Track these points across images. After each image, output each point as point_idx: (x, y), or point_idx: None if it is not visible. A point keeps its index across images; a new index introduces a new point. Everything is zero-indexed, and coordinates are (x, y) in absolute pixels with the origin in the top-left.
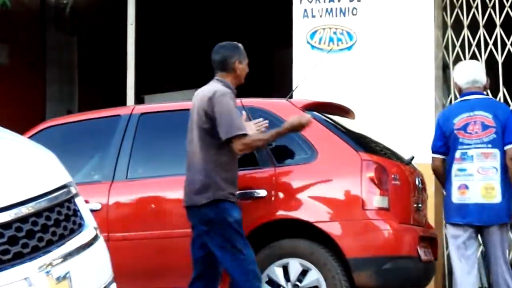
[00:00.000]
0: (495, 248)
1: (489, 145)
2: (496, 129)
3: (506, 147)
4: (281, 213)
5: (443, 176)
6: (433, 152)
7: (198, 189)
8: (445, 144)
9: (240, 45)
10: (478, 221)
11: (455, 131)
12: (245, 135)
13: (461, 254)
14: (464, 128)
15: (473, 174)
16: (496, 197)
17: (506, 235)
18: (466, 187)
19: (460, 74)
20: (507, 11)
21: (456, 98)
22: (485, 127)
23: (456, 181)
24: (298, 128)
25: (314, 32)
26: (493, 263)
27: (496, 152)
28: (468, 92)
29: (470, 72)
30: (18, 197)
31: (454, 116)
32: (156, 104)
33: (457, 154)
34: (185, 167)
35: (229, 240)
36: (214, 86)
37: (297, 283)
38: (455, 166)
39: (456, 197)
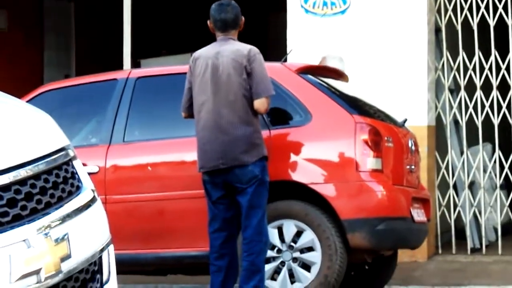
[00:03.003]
0: None
1: None
2: None
3: None
4: (276, 175)
5: None
6: None
7: (246, 147)
8: None
9: None
10: None
11: None
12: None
13: None
14: None
15: None
16: None
17: None
18: None
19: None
20: None
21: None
22: None
23: None
24: None
25: None
26: None
27: None
28: None
29: None
30: (16, 160)
31: None
32: (153, 68)
33: None
34: (206, 127)
35: (263, 199)
36: (241, 45)
37: (292, 244)
38: None
39: None
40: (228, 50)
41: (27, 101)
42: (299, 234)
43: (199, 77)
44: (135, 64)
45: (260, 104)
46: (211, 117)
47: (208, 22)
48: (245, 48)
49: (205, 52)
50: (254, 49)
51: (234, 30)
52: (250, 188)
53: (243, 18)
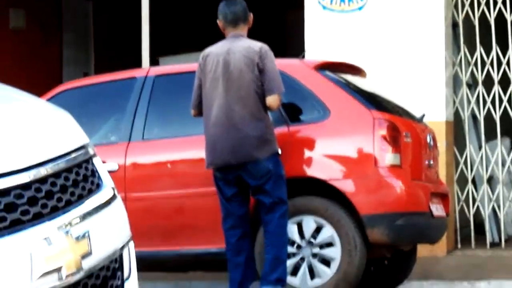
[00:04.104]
0: None
1: None
2: None
3: None
4: (295, 171)
5: None
6: None
7: (258, 143)
8: None
9: None
10: None
11: None
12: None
13: None
14: None
15: None
16: None
17: None
18: None
19: None
20: None
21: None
22: None
23: None
24: None
25: None
26: None
27: None
28: None
29: None
30: (36, 158)
31: None
32: (171, 66)
33: None
34: (217, 124)
35: (283, 192)
36: (252, 42)
37: (312, 239)
38: None
39: None
40: (239, 46)
41: (46, 100)
42: (318, 230)
43: (210, 74)
44: (154, 62)
45: (273, 100)
46: (222, 113)
47: (218, 20)
48: (256, 45)
49: (215, 49)
50: (265, 46)
51: (244, 24)
52: (268, 185)
53: (251, 14)
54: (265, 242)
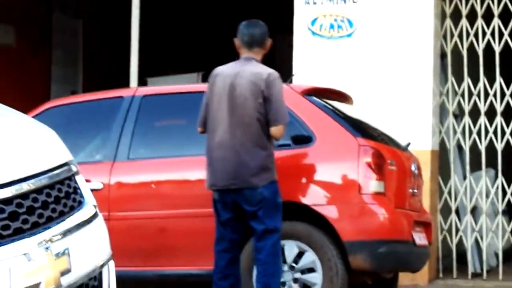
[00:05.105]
0: None
1: None
2: None
3: None
4: None
5: None
6: None
7: (257, 171)
8: None
9: None
10: None
11: None
12: None
13: None
14: None
15: None
16: None
17: None
18: None
19: None
20: (505, 2)
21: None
22: None
23: None
24: None
25: (315, 19)
26: None
27: None
28: None
29: None
30: (19, 173)
31: None
32: (158, 87)
33: None
34: (220, 146)
35: (277, 221)
36: (262, 67)
37: (293, 264)
38: None
39: None
40: (247, 71)
41: (32, 117)
42: (300, 255)
43: (217, 96)
44: (142, 82)
45: (277, 131)
46: (226, 136)
47: (235, 39)
48: (265, 71)
49: (225, 70)
50: (274, 74)
51: (259, 48)
52: (261, 212)
53: (270, 40)
54: (257, 270)
